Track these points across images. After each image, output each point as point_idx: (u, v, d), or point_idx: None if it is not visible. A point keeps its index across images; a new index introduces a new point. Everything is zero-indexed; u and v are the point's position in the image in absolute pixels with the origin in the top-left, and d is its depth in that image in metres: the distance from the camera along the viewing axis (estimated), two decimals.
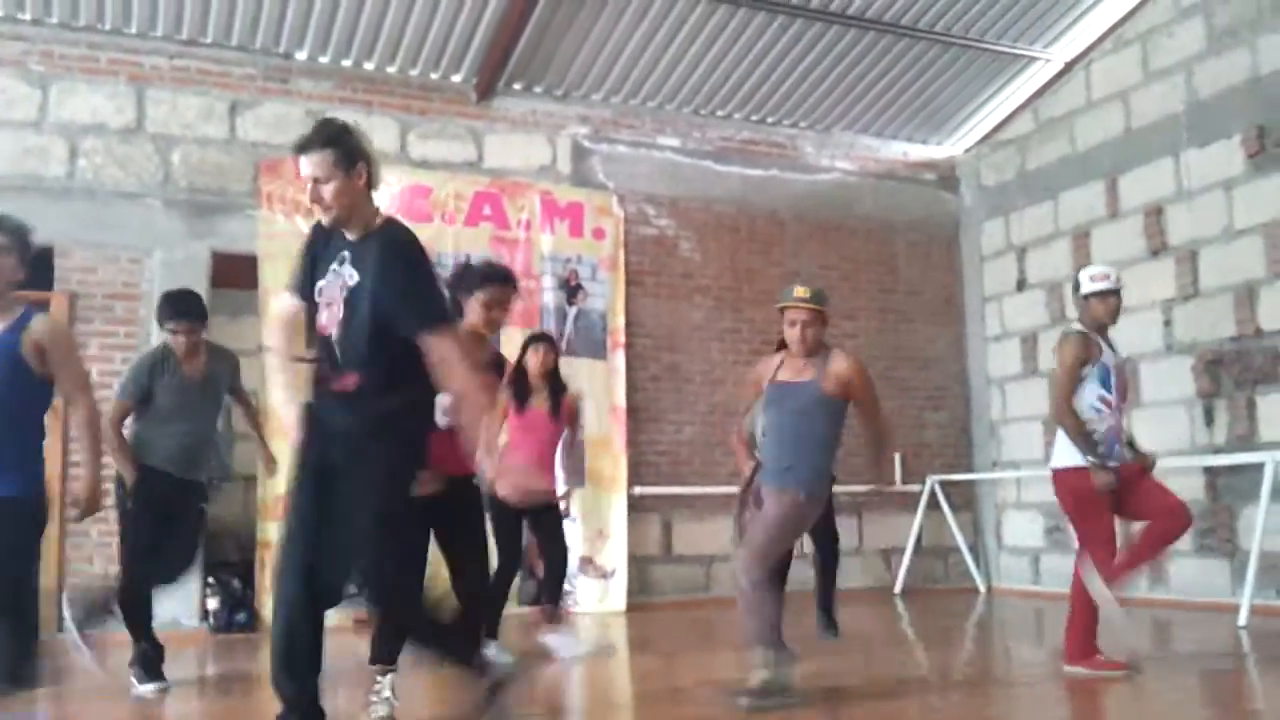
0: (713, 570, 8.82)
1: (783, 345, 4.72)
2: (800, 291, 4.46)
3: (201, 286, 7.05)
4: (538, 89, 8.69)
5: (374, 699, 3.83)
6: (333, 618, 3.29)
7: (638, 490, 8.54)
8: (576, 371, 8.23)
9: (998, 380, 9.84)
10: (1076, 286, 5.00)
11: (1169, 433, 7.87)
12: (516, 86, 8.60)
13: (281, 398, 3.34)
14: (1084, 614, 4.80)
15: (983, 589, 9.49)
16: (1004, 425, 9.77)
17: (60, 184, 7.28)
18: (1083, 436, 4.76)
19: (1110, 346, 4.92)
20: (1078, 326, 4.97)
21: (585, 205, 8.71)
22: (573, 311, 8.54)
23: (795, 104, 9.29)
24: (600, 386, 8.48)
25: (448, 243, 8.04)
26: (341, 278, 3.22)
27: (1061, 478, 4.89)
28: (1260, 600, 6.75)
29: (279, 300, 3.49)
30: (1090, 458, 4.73)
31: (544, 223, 8.53)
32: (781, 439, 4.44)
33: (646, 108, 9.07)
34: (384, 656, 3.89)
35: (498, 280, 4.37)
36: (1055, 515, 9.13)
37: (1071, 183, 9.08)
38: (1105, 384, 4.86)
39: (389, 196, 7.79)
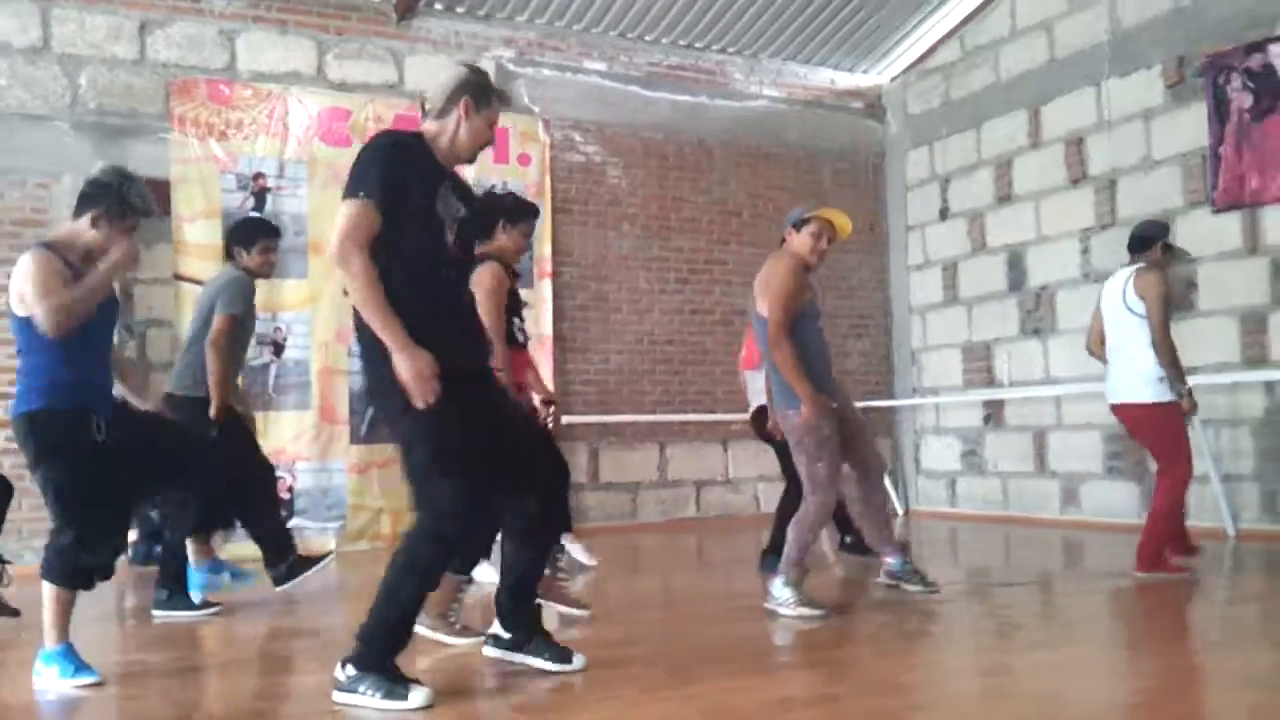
0: (639, 497, 8.91)
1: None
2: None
3: None
4: (459, 9, 8.48)
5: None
6: None
7: (565, 419, 8.52)
8: None
9: (919, 309, 9.98)
10: (1170, 245, 5.56)
11: (1086, 360, 8.00)
12: (438, 6, 8.38)
13: (390, 319, 3.08)
14: (1161, 529, 5.23)
15: (901, 511, 9.72)
16: (924, 353, 9.93)
17: None
18: (1178, 366, 5.14)
19: None
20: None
21: (510, 130, 8.54)
22: None
23: (724, 29, 9.19)
24: (527, 315, 8.40)
25: None
26: (455, 206, 3.36)
27: (1144, 413, 5.27)
28: None
29: (364, 210, 3.09)
30: (1182, 386, 5.12)
31: None
32: (823, 353, 4.79)
33: (573, 30, 8.91)
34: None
35: (535, 213, 4.74)
36: (971, 440, 9.36)
37: (995, 112, 9.14)
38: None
39: (306, 118, 7.58)
